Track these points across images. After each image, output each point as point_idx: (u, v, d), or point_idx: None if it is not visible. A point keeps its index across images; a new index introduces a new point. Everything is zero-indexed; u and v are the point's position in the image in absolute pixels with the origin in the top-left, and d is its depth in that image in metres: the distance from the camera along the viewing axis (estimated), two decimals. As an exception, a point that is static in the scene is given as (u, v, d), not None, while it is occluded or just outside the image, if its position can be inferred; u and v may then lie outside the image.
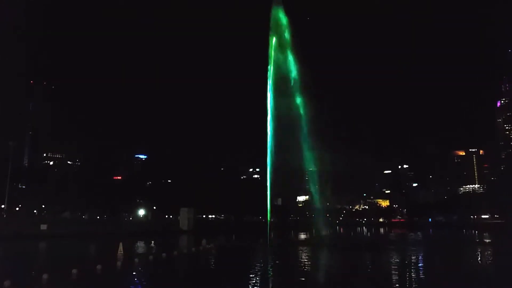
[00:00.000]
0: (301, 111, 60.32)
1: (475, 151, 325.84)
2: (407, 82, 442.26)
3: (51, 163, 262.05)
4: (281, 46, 58.26)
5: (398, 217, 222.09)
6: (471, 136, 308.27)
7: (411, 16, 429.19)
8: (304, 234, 74.55)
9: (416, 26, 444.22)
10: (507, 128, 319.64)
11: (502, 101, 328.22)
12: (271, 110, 54.38)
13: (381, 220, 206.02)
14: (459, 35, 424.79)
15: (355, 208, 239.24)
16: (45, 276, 23.97)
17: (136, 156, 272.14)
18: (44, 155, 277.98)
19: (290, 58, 59.61)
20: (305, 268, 31.84)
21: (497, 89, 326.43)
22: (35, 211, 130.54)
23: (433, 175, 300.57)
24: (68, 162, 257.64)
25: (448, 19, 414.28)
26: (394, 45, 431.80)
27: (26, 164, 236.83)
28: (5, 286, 21.46)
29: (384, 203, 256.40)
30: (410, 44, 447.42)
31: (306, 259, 38.83)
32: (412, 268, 32.18)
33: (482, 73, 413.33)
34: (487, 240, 67.91)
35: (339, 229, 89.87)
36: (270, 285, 24.87)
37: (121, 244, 40.22)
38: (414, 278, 26.97)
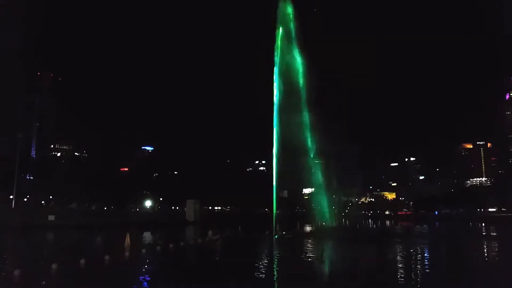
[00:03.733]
0: (308, 103, 60.15)
1: (482, 144, 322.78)
2: (415, 75, 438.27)
3: (58, 154, 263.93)
4: (287, 37, 57.90)
5: (405, 209, 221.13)
6: (478, 129, 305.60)
7: (416, 9, 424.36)
8: (310, 226, 74.55)
9: (421, 18, 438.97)
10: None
11: (511, 94, 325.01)
12: (277, 102, 54.15)
13: (387, 212, 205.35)
14: (467, 28, 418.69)
15: (361, 200, 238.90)
16: (54, 266, 24.27)
17: (142, 148, 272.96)
18: (52, 146, 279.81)
19: (296, 49, 59.29)
20: (309, 260, 31.87)
21: (505, 81, 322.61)
22: (43, 202, 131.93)
23: (440, 168, 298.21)
24: (75, 153, 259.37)
25: (453, 13, 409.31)
26: (399, 39, 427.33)
27: (34, 156, 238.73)
28: (14, 276, 21.74)
29: (391, 196, 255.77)
30: (417, 36, 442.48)
31: (311, 251, 38.87)
32: (418, 261, 32.12)
33: (491, 65, 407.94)
34: (494, 234, 67.54)
35: (345, 221, 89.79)
36: (275, 277, 24.95)
37: (128, 235, 40.55)
38: (420, 271, 26.90)
